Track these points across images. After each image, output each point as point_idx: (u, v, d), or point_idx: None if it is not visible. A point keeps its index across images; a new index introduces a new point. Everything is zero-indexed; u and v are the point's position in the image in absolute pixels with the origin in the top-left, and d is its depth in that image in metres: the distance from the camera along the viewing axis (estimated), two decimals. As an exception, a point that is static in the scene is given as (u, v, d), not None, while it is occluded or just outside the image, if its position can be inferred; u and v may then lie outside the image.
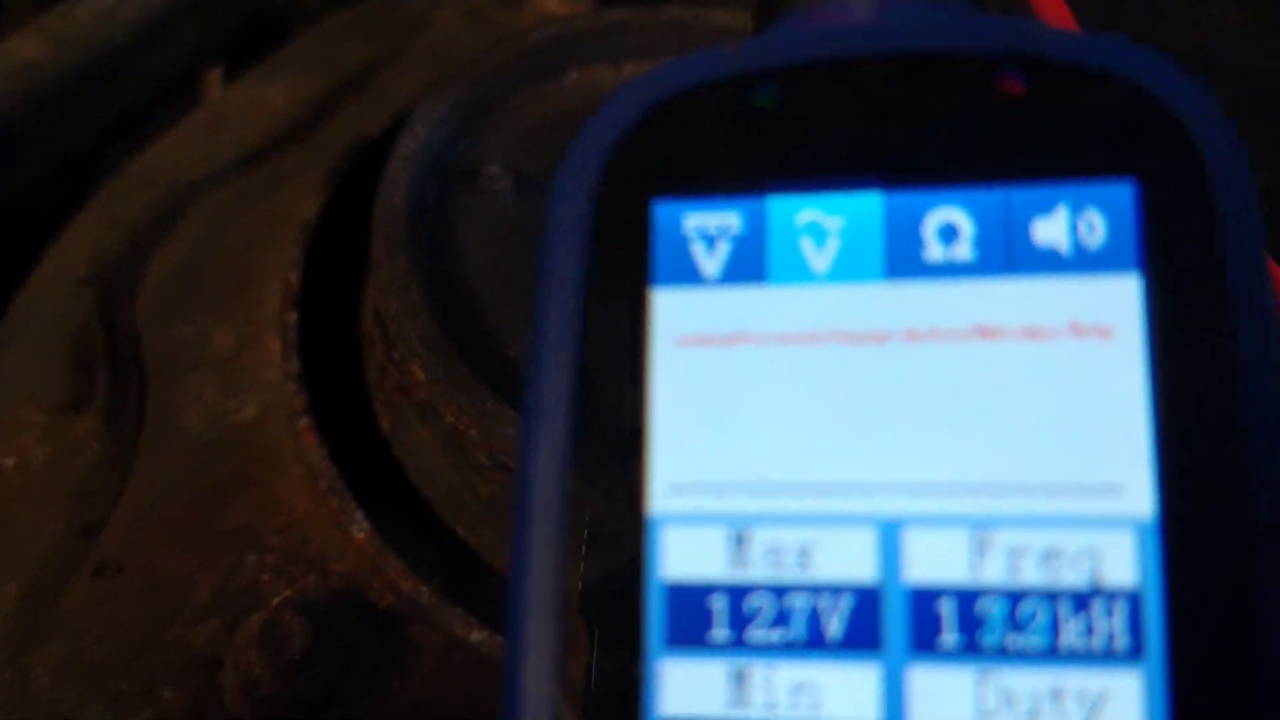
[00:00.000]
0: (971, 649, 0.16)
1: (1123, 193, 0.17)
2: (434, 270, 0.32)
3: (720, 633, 0.16)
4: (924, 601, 0.16)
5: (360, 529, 0.29)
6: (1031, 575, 0.16)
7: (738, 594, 0.16)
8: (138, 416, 0.32)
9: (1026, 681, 0.15)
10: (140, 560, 0.30)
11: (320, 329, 0.34)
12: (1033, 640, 0.16)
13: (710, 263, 0.18)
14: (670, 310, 0.18)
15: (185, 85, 0.43)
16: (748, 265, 0.18)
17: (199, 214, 0.37)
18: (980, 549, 0.16)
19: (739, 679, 0.16)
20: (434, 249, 0.33)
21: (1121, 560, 0.15)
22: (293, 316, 0.32)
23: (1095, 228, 0.17)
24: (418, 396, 0.30)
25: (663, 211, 0.18)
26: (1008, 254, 0.17)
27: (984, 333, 0.17)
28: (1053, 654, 0.15)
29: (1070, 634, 0.15)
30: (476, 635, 0.28)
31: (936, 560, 0.16)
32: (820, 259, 0.17)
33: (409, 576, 0.28)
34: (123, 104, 0.41)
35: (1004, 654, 0.16)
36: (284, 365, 0.32)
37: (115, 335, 0.34)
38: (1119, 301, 0.16)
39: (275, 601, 0.28)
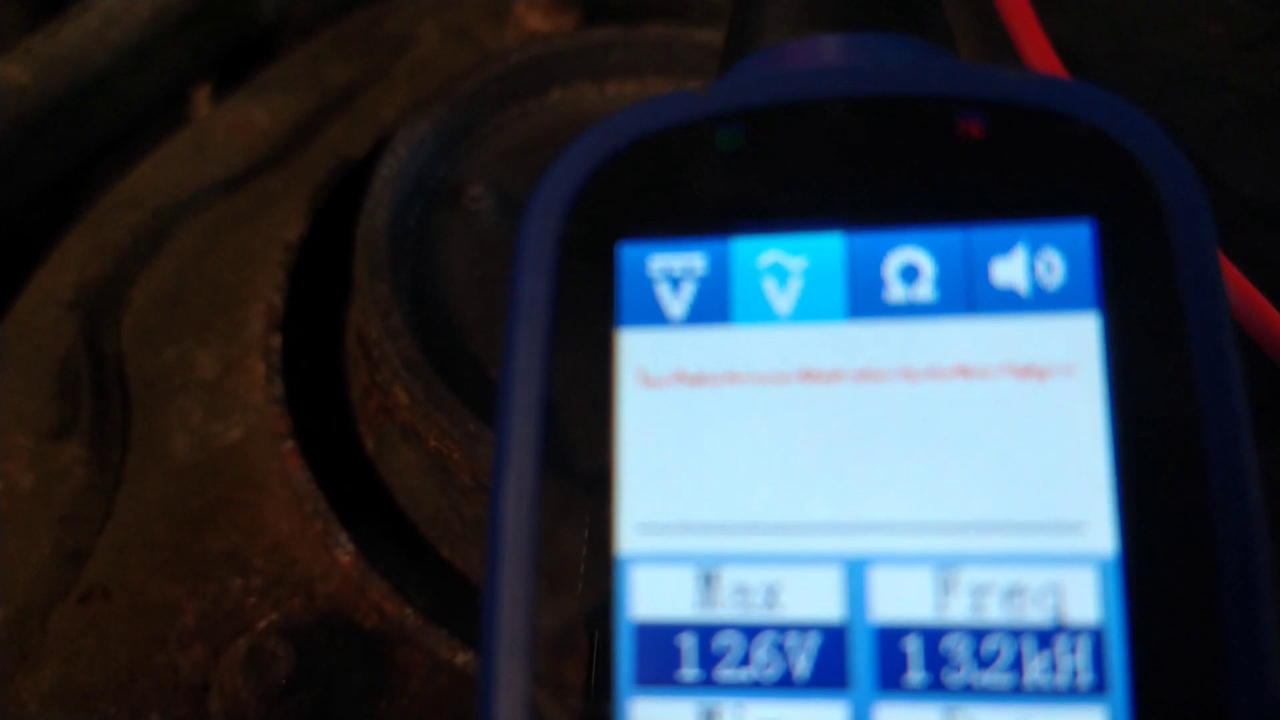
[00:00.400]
0: (937, 687, 0.16)
1: (1081, 233, 0.17)
2: (417, 292, 0.33)
3: (689, 672, 0.17)
4: (890, 640, 0.16)
5: (345, 551, 0.29)
6: (996, 613, 0.16)
7: (706, 633, 0.17)
8: (123, 441, 0.32)
9: (992, 718, 0.16)
10: (127, 585, 0.30)
11: (304, 351, 0.34)
12: (998, 677, 0.16)
13: (675, 304, 0.18)
14: (636, 351, 0.18)
15: (173, 104, 0.43)
16: (712, 306, 0.18)
17: (183, 237, 0.36)
18: (945, 587, 0.16)
19: (708, 718, 0.16)
20: (417, 270, 0.33)
21: (1084, 597, 0.16)
22: (276, 339, 0.32)
23: (1054, 267, 0.17)
24: (401, 419, 0.30)
25: (628, 253, 0.18)
26: (968, 294, 0.17)
27: (945, 372, 0.17)
28: (1018, 691, 0.16)
29: (1034, 671, 0.16)
30: (462, 657, 0.28)
31: (902, 599, 0.16)
32: (783, 299, 0.18)
33: (394, 598, 0.28)
34: (109, 125, 0.41)
35: (969, 691, 0.16)
36: (268, 388, 0.32)
37: (100, 359, 0.34)
38: (1078, 340, 0.16)
39: (261, 625, 0.28)
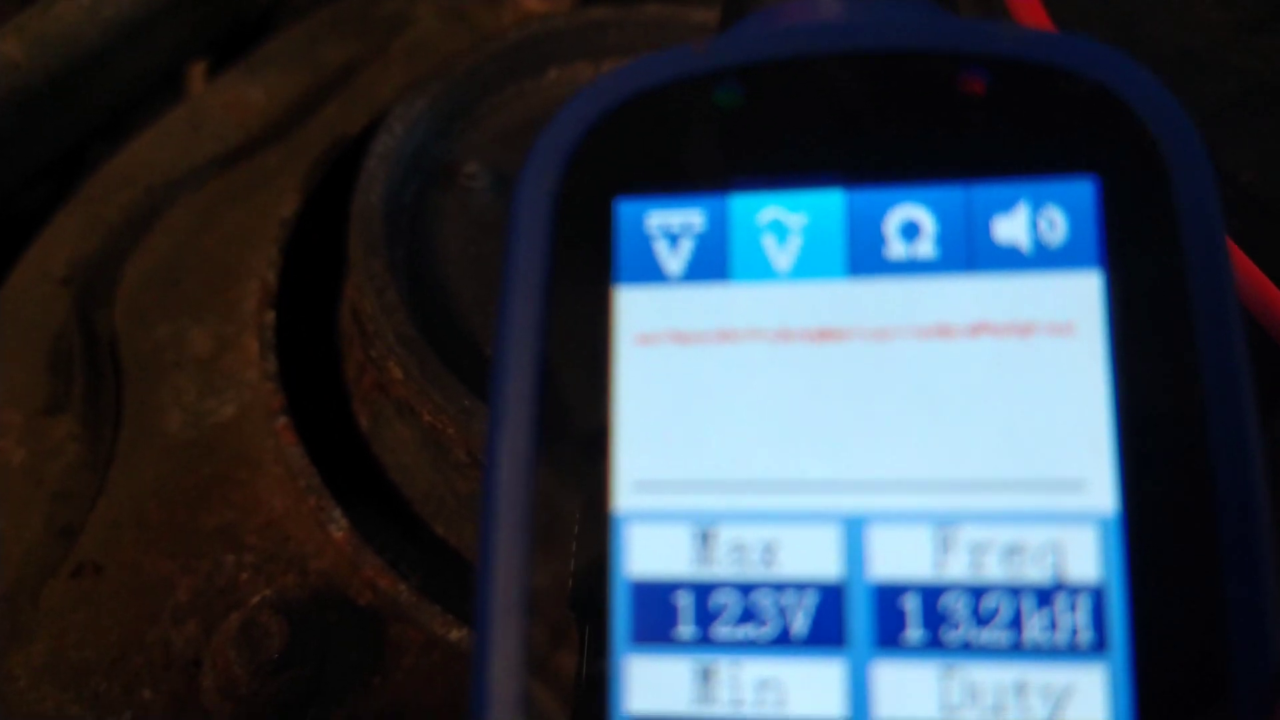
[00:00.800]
0: (936, 644, 0.16)
1: (1084, 190, 0.17)
2: (412, 269, 0.32)
3: (686, 630, 0.16)
4: (888, 598, 0.16)
5: (339, 527, 0.29)
6: (995, 571, 0.16)
7: (703, 591, 0.17)
8: (116, 417, 0.32)
9: (991, 676, 0.16)
10: (119, 561, 0.30)
11: (299, 328, 0.33)
12: (997, 635, 0.16)
13: (673, 261, 0.18)
14: (633, 308, 0.18)
15: (168, 82, 0.43)
16: (711, 263, 0.18)
17: (178, 213, 0.36)
18: (944, 545, 0.16)
19: (704, 676, 0.16)
20: (412, 247, 0.33)
21: (1084, 555, 0.16)
22: (270, 316, 0.32)
23: (1056, 225, 0.17)
24: (396, 395, 0.30)
25: (626, 210, 0.18)
26: (969, 251, 0.17)
27: (946, 330, 0.17)
28: (1017, 649, 0.16)
29: (1034, 629, 0.16)
30: (456, 633, 0.28)
31: (900, 556, 0.16)
32: (783, 257, 0.17)
33: (388, 574, 0.28)
34: (104, 103, 0.41)
35: (968, 649, 0.16)
36: (262, 365, 0.32)
37: (93, 336, 0.34)
38: (1080, 298, 0.16)
39: (254, 601, 0.28)
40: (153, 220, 0.36)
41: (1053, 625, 0.15)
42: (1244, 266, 0.24)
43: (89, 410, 0.32)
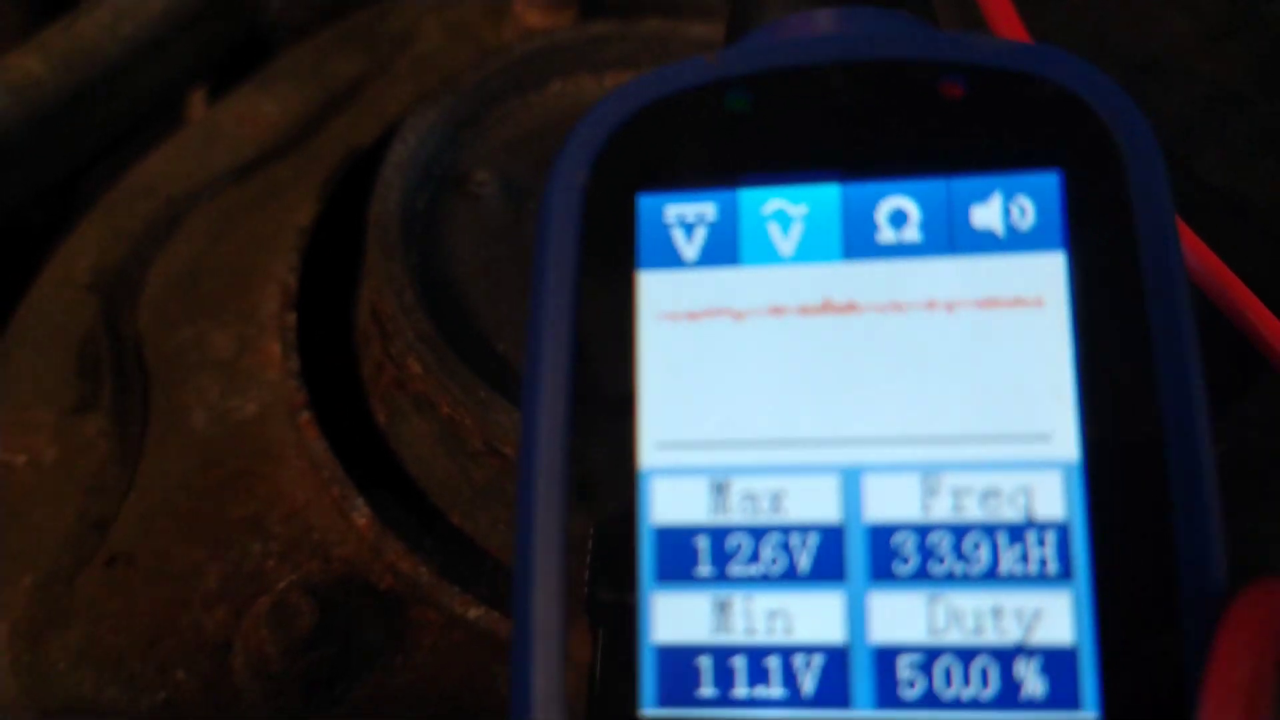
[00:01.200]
0: (923, 576, 0.18)
1: (1050, 182, 0.19)
2: (426, 272, 0.34)
3: (704, 569, 0.19)
4: (881, 537, 0.18)
5: (361, 515, 0.30)
6: (974, 512, 0.18)
7: (719, 535, 0.19)
8: (143, 416, 0.33)
9: (971, 602, 0.18)
10: (151, 551, 0.30)
11: (316, 330, 0.35)
12: (976, 567, 0.18)
13: (689, 247, 0.20)
14: (654, 290, 0.20)
15: (170, 105, 0.44)
16: (722, 249, 0.20)
17: (197, 223, 0.37)
18: (930, 491, 0.18)
19: (721, 608, 0.18)
20: (425, 252, 0.34)
21: (1051, 497, 0.18)
22: (292, 317, 0.33)
23: (1026, 212, 0.19)
24: (414, 389, 0.31)
25: (646, 203, 0.20)
26: (950, 235, 0.19)
27: (930, 304, 0.19)
28: (993, 578, 0.18)
29: (1008, 561, 0.18)
30: (474, 612, 0.29)
31: (892, 502, 0.18)
32: (786, 242, 0.20)
33: (409, 558, 0.29)
34: (118, 120, 0.41)
35: (951, 579, 0.18)
36: (284, 364, 0.33)
37: (120, 339, 0.35)
38: (1047, 275, 0.19)
39: (282, 585, 0.29)
40: (173, 229, 0.37)
41: (1024, 557, 0.18)
42: (1199, 252, 0.26)
43: (118, 409, 0.33)
